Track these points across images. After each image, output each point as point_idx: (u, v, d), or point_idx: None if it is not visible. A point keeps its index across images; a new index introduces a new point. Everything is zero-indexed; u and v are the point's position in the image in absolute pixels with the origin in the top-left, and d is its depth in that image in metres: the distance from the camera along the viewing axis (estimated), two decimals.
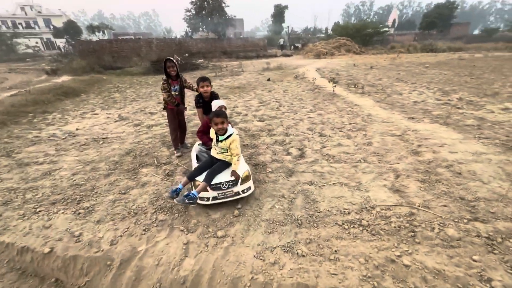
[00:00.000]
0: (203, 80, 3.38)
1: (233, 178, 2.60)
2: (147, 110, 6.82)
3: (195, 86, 3.95)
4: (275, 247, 2.09)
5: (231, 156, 2.68)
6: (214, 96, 3.52)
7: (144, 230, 2.34)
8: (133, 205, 2.76)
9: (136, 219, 2.51)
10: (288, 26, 40.77)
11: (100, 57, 16.85)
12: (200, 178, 2.61)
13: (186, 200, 2.32)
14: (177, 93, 3.88)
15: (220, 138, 2.62)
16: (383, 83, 9.08)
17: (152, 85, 10.95)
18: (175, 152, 4.03)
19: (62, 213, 2.64)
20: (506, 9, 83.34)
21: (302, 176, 3.27)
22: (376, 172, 3.28)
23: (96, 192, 3.07)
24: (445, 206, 2.55)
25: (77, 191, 3.11)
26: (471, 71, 11.08)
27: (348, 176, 3.23)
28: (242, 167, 2.74)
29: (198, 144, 3.40)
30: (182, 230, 2.32)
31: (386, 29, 31.15)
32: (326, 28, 52.08)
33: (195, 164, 2.96)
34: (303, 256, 2.00)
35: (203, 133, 3.24)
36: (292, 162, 3.63)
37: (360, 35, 25.97)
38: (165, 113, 6.42)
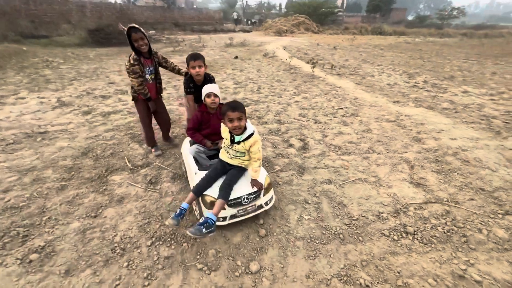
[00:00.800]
0: (195, 58, 2.50)
1: (255, 189, 2.03)
2: (96, 93, 5.44)
3: (180, 67, 3.06)
4: (330, 278, 1.66)
5: (248, 160, 2.07)
6: (208, 79, 2.73)
7: (145, 277, 1.63)
8: (115, 234, 1.97)
9: (127, 259, 1.75)
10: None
11: (14, 21, 13.12)
12: (210, 192, 1.97)
13: (204, 229, 1.67)
14: (152, 77, 2.85)
15: (237, 138, 1.96)
16: (352, 64, 9.12)
17: (94, 59, 8.97)
18: (153, 150, 3.17)
19: (1, 264, 1.72)
20: None
21: (317, 173, 2.88)
22: (390, 163, 3.07)
23: (49, 218, 2.14)
24: (472, 199, 2.46)
25: (17, 218, 2.12)
26: (420, 54, 11.98)
27: (363, 170, 2.95)
28: (261, 173, 2.17)
29: (191, 142, 2.66)
30: (201, 270, 1.69)
31: (339, 9, 31.92)
32: (280, 5, 51.17)
33: (194, 170, 2.24)
34: (368, 286, 1.62)
35: (194, 130, 2.50)
36: (299, 156, 3.19)
37: (317, 14, 26.05)
38: (123, 97, 5.25)
